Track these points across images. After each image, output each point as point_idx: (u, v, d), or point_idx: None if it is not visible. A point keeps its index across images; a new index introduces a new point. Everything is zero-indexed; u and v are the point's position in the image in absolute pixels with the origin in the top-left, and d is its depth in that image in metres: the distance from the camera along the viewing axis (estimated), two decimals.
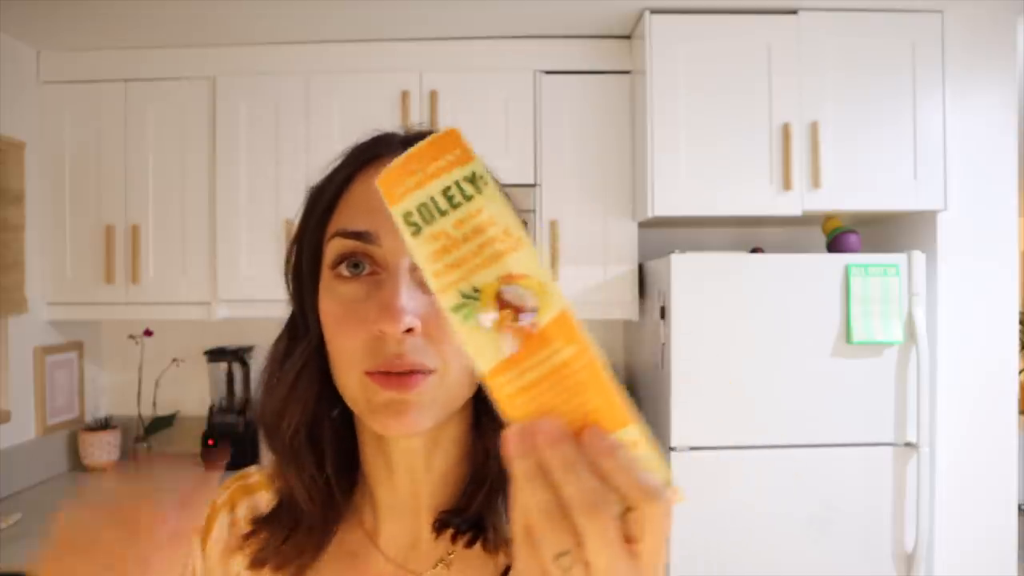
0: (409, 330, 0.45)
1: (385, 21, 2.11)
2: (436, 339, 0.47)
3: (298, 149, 2.23)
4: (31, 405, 2.26)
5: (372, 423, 0.47)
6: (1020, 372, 2.07)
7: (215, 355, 2.42)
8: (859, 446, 1.89)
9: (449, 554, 0.53)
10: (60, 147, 2.29)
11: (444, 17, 2.09)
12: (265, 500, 0.60)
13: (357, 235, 0.48)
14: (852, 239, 2.11)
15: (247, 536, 0.57)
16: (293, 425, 0.52)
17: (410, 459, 0.52)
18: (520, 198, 2.19)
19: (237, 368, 2.43)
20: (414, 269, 0.47)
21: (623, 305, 2.21)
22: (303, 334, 0.52)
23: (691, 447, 1.88)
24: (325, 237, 0.51)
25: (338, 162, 0.54)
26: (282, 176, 2.23)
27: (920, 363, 1.87)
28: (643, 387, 2.26)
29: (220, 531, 0.60)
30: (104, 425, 2.40)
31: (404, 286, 0.46)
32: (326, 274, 0.50)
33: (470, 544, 0.52)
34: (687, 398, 1.88)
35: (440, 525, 0.53)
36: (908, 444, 1.89)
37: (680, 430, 1.88)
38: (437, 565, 0.53)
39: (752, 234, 2.50)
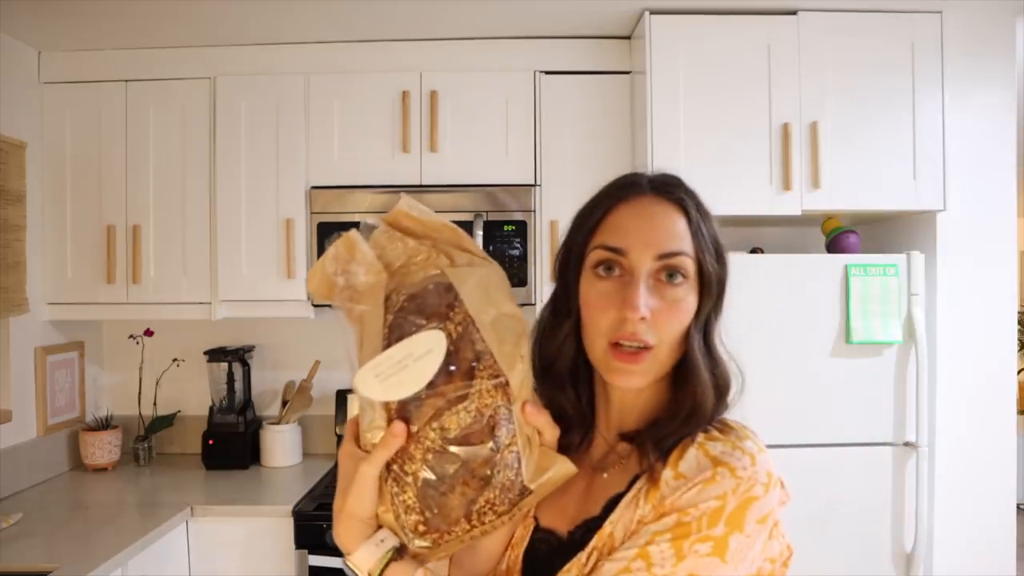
0: (643, 318, 0.67)
1: (385, 21, 2.11)
2: (659, 326, 0.68)
3: (298, 149, 2.23)
4: (32, 405, 2.26)
5: (607, 378, 0.71)
6: (1019, 372, 2.07)
7: (215, 355, 2.42)
8: (859, 446, 1.89)
9: (622, 460, 0.75)
10: (61, 147, 2.29)
11: (444, 17, 2.09)
12: None
13: (614, 249, 0.70)
14: (852, 239, 2.11)
15: None
16: (563, 369, 0.76)
17: (623, 400, 0.75)
18: (520, 198, 2.20)
19: (237, 368, 2.44)
20: (648, 276, 0.69)
21: None
22: (565, 310, 0.75)
23: None
24: (589, 247, 0.73)
25: (600, 194, 0.79)
26: (282, 176, 2.24)
27: (919, 363, 1.87)
28: None
29: None
30: (105, 425, 2.40)
31: (643, 288, 0.68)
32: (587, 272, 0.72)
33: (639, 456, 0.72)
34: None
35: (625, 439, 0.76)
36: (908, 444, 1.89)
37: None
38: (616, 466, 0.75)
39: (752, 234, 2.50)
